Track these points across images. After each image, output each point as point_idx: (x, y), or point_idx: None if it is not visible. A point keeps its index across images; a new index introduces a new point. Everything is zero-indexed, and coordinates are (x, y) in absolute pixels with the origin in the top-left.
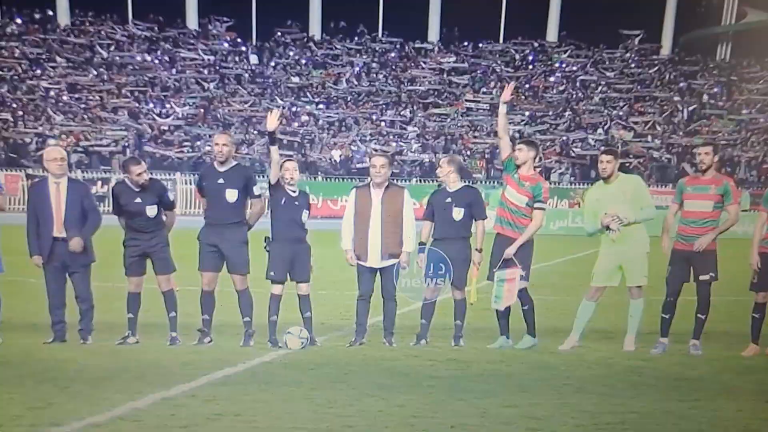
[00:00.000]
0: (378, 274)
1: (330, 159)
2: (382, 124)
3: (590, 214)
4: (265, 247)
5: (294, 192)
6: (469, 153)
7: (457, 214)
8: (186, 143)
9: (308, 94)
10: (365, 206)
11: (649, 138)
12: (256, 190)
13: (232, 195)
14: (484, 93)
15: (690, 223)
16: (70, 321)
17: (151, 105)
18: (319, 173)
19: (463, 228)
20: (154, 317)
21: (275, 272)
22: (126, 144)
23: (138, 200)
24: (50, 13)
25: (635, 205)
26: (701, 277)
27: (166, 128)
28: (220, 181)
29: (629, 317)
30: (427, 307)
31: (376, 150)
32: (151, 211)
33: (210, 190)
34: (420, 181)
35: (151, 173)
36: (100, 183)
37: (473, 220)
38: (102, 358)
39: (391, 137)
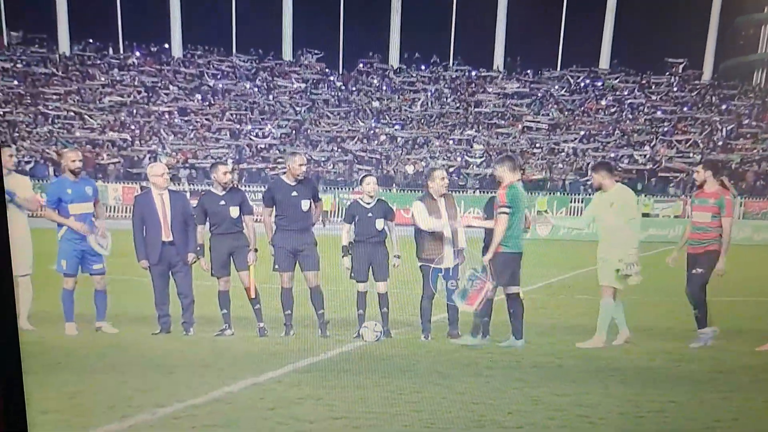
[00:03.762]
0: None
1: (404, 173)
2: (451, 142)
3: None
4: (348, 251)
5: (368, 204)
6: (529, 163)
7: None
8: (280, 160)
9: (387, 116)
10: (435, 214)
11: (690, 154)
12: (319, 195)
13: (305, 204)
14: (543, 114)
15: (695, 230)
16: (174, 315)
17: (249, 126)
18: (394, 185)
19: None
20: (248, 312)
21: (356, 273)
22: (225, 161)
23: (222, 203)
24: (166, 46)
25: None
26: (693, 270)
27: (263, 146)
28: (294, 193)
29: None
30: (486, 305)
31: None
32: (234, 212)
33: (284, 201)
34: (481, 192)
35: (249, 186)
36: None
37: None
38: (201, 347)
39: (458, 153)
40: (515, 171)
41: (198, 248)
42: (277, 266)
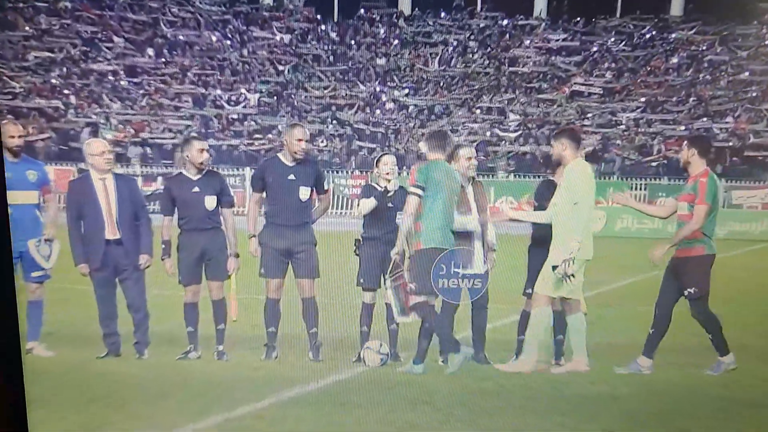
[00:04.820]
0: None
1: (417, 151)
2: (477, 111)
3: None
4: (355, 251)
5: (388, 191)
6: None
7: None
8: (258, 134)
9: (395, 78)
10: (462, 206)
11: None
12: (325, 185)
13: (305, 193)
14: (597, 76)
15: (678, 227)
16: (124, 333)
17: (218, 91)
18: (405, 167)
19: None
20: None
21: (365, 279)
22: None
23: (195, 190)
24: None
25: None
26: (686, 291)
27: (235, 117)
28: (291, 177)
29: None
30: (524, 320)
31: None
32: (210, 202)
33: (278, 186)
34: (516, 176)
35: (218, 167)
36: (160, 179)
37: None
38: (160, 374)
39: (487, 126)
40: (442, 150)
41: (163, 246)
42: (263, 270)
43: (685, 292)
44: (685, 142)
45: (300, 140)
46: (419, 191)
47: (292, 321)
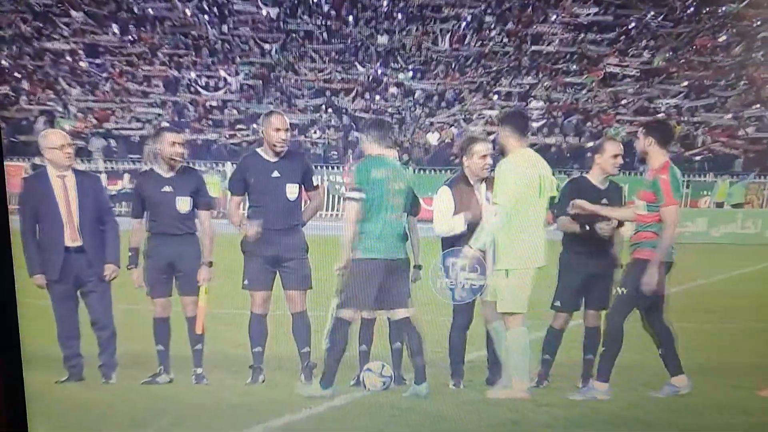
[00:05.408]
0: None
1: (424, 144)
2: (495, 97)
3: None
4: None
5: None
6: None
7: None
8: (240, 124)
9: (399, 58)
10: (471, 207)
11: None
12: (315, 180)
13: (292, 191)
14: (632, 56)
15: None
16: (88, 355)
17: (193, 74)
18: (410, 162)
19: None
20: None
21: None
22: (159, 125)
23: (167, 188)
24: None
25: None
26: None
27: (213, 104)
28: (275, 174)
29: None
30: (551, 336)
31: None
32: (183, 204)
33: (260, 185)
34: None
35: (193, 163)
36: (127, 176)
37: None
38: (130, 401)
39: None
40: (383, 142)
41: (130, 254)
42: (247, 282)
43: (614, 290)
44: (642, 129)
45: (278, 130)
46: (357, 195)
47: (280, 339)
